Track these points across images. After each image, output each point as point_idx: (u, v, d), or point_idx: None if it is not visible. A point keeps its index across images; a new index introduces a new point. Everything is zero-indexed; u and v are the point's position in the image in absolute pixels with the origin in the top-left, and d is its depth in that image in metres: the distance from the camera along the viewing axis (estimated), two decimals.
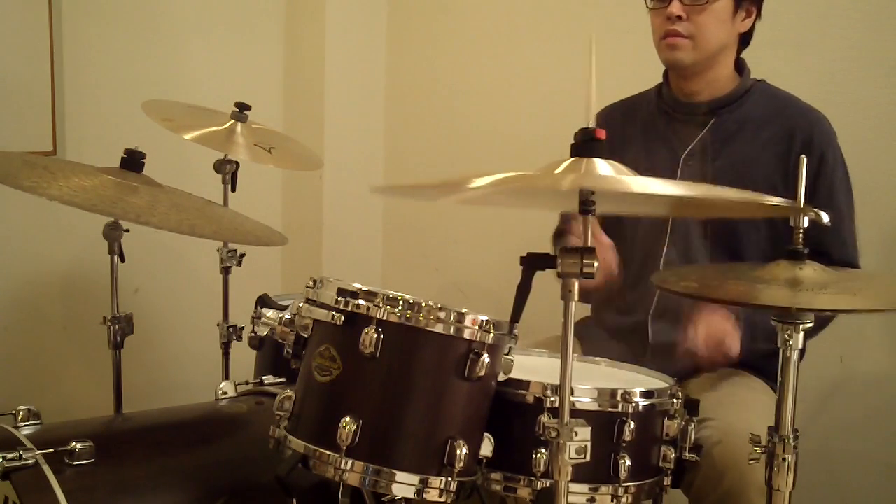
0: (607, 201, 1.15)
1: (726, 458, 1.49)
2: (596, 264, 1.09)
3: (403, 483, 1.22)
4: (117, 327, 1.85)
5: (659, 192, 1.03)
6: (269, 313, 1.36)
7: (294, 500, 1.33)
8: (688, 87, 1.79)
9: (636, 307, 1.82)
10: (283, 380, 1.70)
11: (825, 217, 1.25)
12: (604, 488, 1.32)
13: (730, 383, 1.69)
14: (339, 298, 1.25)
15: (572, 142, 1.14)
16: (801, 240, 1.25)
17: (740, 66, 1.81)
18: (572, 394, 1.19)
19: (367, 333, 1.22)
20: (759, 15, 1.77)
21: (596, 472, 1.30)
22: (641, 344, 1.79)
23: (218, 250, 2.15)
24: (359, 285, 1.26)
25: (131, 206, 1.44)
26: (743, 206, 1.25)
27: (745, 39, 1.79)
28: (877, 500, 2.17)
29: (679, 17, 1.70)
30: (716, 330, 1.58)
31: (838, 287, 1.23)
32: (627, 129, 1.87)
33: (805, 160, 1.26)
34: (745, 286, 1.27)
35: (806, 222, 1.24)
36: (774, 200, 1.05)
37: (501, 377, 1.31)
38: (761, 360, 1.66)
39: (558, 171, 1.10)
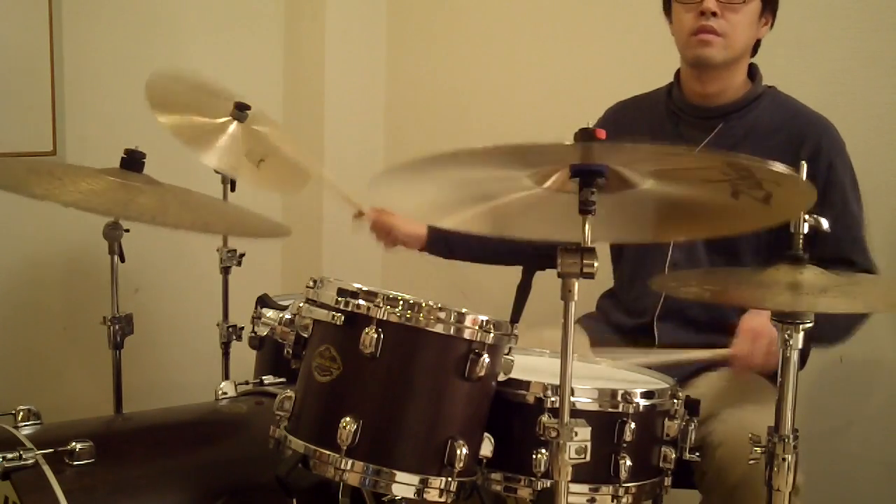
0: (608, 203, 1.14)
1: (736, 454, 1.49)
2: (595, 264, 1.09)
3: (403, 483, 1.22)
4: (117, 327, 1.85)
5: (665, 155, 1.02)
6: (269, 313, 1.36)
7: (294, 500, 1.34)
8: (703, 89, 1.78)
9: (642, 308, 1.82)
10: (283, 380, 1.70)
11: (825, 223, 1.25)
12: (604, 488, 1.32)
13: (738, 383, 1.69)
14: (340, 298, 1.25)
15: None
16: (800, 245, 1.25)
17: (752, 72, 1.81)
18: (572, 394, 1.20)
19: (367, 333, 1.22)
20: (772, 24, 1.78)
21: (596, 472, 1.30)
22: (647, 344, 1.78)
23: (218, 250, 2.15)
24: (359, 285, 1.26)
25: (144, 208, 1.45)
26: (743, 220, 1.24)
27: (756, 47, 1.80)
28: (876, 500, 2.17)
29: (714, 14, 1.68)
30: (766, 333, 1.55)
31: (838, 290, 1.23)
32: (635, 127, 1.86)
33: (805, 166, 1.26)
34: (748, 291, 1.27)
35: (806, 228, 1.24)
36: (780, 167, 1.03)
37: (501, 377, 1.31)
38: None
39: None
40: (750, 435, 1.29)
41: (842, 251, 1.63)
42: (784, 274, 1.24)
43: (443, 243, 1.95)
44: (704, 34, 1.70)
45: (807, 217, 1.24)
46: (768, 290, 1.23)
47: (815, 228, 1.25)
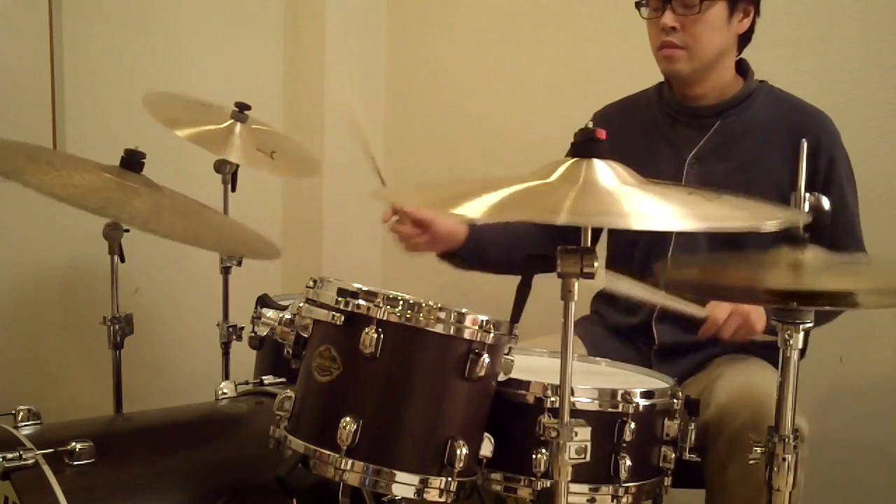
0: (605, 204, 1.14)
1: (739, 399, 1.50)
2: (596, 264, 1.09)
3: (403, 483, 1.22)
4: (117, 327, 1.84)
5: (663, 229, 1.03)
6: (269, 313, 1.36)
7: (294, 500, 1.34)
8: (691, 92, 1.79)
9: (640, 307, 1.81)
10: (283, 380, 1.70)
11: (825, 202, 1.25)
12: (604, 488, 1.32)
13: (737, 364, 1.70)
14: (340, 298, 1.25)
15: (572, 142, 1.14)
16: (800, 225, 1.24)
17: (743, 68, 1.80)
18: (572, 394, 1.20)
19: (367, 333, 1.22)
20: (757, 13, 1.76)
21: (596, 472, 1.31)
22: (647, 345, 1.79)
23: None
24: (359, 285, 1.26)
25: (137, 212, 1.44)
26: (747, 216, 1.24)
27: (745, 39, 1.78)
28: (877, 499, 2.17)
29: (673, 28, 1.69)
30: (745, 315, 1.56)
31: (840, 269, 1.23)
32: (628, 130, 1.86)
33: (805, 143, 1.26)
34: (748, 271, 1.26)
35: (807, 207, 1.24)
36: (775, 225, 1.05)
37: (501, 377, 1.31)
38: (767, 351, 1.66)
39: (555, 176, 1.10)
40: (750, 435, 1.29)
41: (838, 244, 1.63)
42: (785, 255, 1.23)
43: (477, 241, 1.82)
44: (666, 49, 1.72)
45: (807, 195, 1.24)
46: (769, 270, 1.22)
47: (816, 208, 1.24)
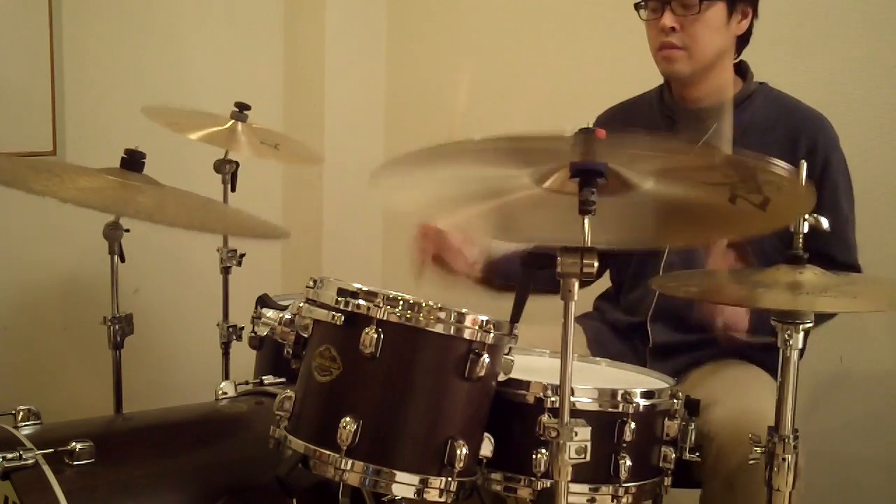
0: (608, 201, 1.14)
1: (733, 440, 1.49)
2: (595, 264, 1.09)
3: (403, 483, 1.22)
4: (117, 327, 1.84)
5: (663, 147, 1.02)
6: (269, 313, 1.36)
7: (294, 500, 1.34)
8: (690, 94, 1.79)
9: (636, 308, 1.82)
10: (283, 380, 1.70)
11: (825, 223, 1.25)
12: (604, 488, 1.32)
13: (733, 372, 1.70)
14: (340, 298, 1.25)
15: None
16: (801, 244, 1.25)
17: (742, 70, 1.80)
18: (572, 394, 1.20)
19: (367, 333, 1.22)
20: (755, 14, 1.76)
21: (596, 472, 1.31)
22: (642, 342, 1.80)
23: (218, 250, 2.15)
24: (359, 285, 1.26)
25: (142, 206, 1.45)
26: (745, 224, 1.23)
27: (743, 40, 1.78)
28: (877, 500, 2.17)
29: (672, 29, 1.69)
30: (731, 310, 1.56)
31: (838, 290, 1.23)
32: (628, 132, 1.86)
33: (805, 165, 1.26)
34: (746, 290, 1.27)
35: (806, 228, 1.24)
36: (781, 165, 1.04)
37: (501, 377, 1.31)
38: (762, 354, 1.66)
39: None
40: (750, 435, 1.29)
41: (825, 247, 1.63)
42: (783, 274, 1.24)
43: (504, 264, 1.80)
44: (666, 50, 1.72)
45: (807, 216, 1.24)
46: (768, 289, 1.23)
47: (814, 228, 1.25)
